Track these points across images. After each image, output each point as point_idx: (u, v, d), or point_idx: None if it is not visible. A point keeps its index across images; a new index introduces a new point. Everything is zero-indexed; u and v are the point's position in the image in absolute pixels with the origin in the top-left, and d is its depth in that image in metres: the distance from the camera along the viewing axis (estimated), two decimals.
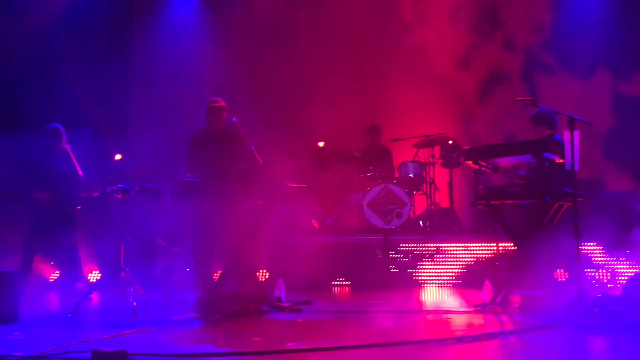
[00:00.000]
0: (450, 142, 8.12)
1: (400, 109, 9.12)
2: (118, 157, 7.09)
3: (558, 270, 6.67)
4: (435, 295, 6.44)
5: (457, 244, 7.19)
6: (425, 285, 7.05)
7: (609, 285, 6.52)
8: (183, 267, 7.11)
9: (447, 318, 4.98)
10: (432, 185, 8.27)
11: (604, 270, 6.66)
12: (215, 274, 5.76)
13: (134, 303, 4.99)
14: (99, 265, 7.07)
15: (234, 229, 5.58)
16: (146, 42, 9.69)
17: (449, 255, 7.16)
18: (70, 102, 8.00)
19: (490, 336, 4.14)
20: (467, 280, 6.95)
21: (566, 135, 4.68)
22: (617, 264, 6.68)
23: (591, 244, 6.66)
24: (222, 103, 5.79)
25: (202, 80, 9.36)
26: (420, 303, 6.08)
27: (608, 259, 6.67)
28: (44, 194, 5.95)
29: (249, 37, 9.63)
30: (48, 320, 4.90)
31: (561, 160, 4.95)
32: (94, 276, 7.07)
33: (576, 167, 4.66)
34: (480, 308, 5.20)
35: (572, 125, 4.69)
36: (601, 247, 6.68)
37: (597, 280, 6.62)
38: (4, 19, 7.64)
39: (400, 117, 9.08)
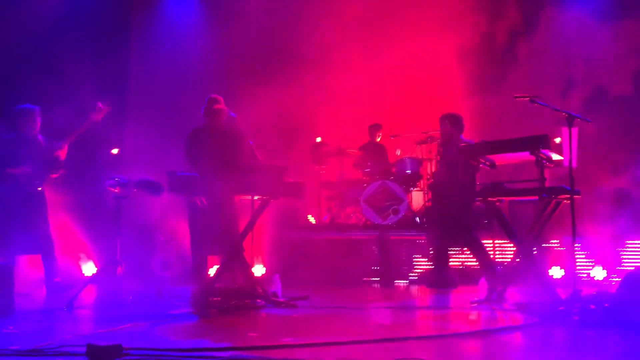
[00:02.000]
0: None
1: (398, 105, 9.11)
2: (115, 151, 7.09)
3: (553, 267, 6.70)
4: (432, 292, 6.44)
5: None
6: (421, 281, 7.05)
7: (604, 282, 6.54)
8: (180, 261, 7.11)
9: (443, 314, 4.98)
10: (430, 182, 8.26)
11: (600, 267, 6.68)
12: (211, 269, 5.76)
13: (130, 297, 4.98)
14: (96, 259, 7.06)
15: (231, 224, 5.58)
16: (145, 33, 9.65)
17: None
18: (67, 95, 7.98)
19: (486, 333, 4.15)
20: (461, 278, 6.95)
21: (564, 132, 4.69)
22: (613, 261, 6.70)
23: (587, 240, 6.68)
24: (222, 104, 5.80)
25: (200, 73, 9.34)
26: (416, 299, 6.09)
27: (604, 255, 6.69)
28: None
29: (247, 30, 9.59)
30: (43, 314, 4.89)
31: (559, 158, 4.96)
32: (89, 269, 7.06)
33: (574, 165, 4.67)
34: (476, 305, 5.21)
35: (570, 122, 4.70)
36: (597, 244, 6.69)
37: (593, 277, 6.64)
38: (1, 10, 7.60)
39: (398, 113, 9.07)
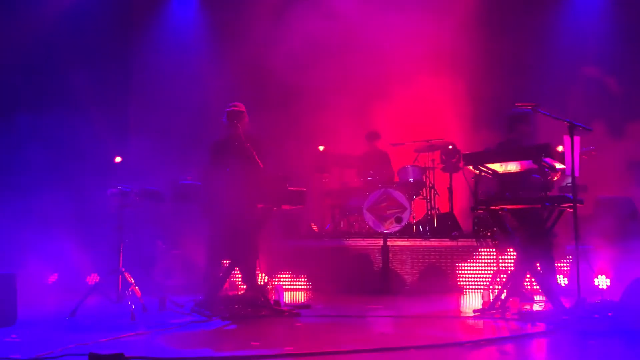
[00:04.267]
0: (450, 146, 8.12)
1: (401, 113, 9.12)
2: (118, 159, 7.10)
3: (557, 276, 6.67)
4: (434, 300, 6.42)
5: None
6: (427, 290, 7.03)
7: (608, 291, 6.50)
8: (182, 270, 7.10)
9: (445, 323, 4.96)
10: (432, 190, 8.26)
11: (603, 276, 6.65)
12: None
13: (132, 306, 4.98)
14: (98, 268, 7.06)
15: (236, 231, 5.56)
16: (146, 43, 9.71)
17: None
18: (70, 105, 8.01)
19: (489, 342, 4.13)
20: (466, 286, 6.94)
21: (566, 140, 4.68)
22: (616, 270, 6.66)
23: (591, 249, 6.65)
24: (242, 107, 5.68)
25: (202, 82, 9.38)
26: (419, 308, 6.06)
27: (607, 264, 6.66)
28: None
29: (249, 40, 9.62)
30: (46, 323, 4.89)
31: (561, 166, 4.95)
32: (92, 279, 7.06)
33: (576, 173, 4.65)
34: (479, 314, 5.19)
35: (572, 131, 4.68)
36: (601, 253, 6.66)
37: (596, 286, 6.61)
38: (3, 20, 7.64)
39: (400, 121, 9.08)
